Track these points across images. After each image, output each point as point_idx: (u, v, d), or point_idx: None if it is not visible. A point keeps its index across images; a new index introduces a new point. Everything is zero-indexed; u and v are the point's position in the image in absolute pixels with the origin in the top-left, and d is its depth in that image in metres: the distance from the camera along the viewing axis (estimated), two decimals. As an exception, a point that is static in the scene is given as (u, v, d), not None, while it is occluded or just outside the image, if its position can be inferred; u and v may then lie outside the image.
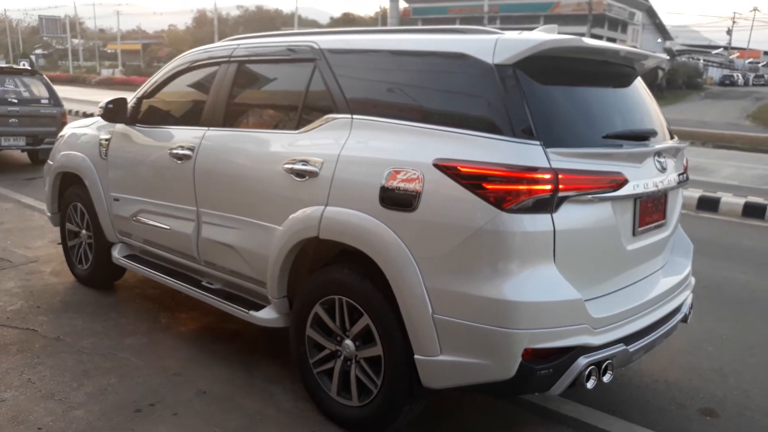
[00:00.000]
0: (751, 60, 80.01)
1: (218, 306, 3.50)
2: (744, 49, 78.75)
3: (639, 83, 3.11)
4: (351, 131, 2.83)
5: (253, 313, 3.25)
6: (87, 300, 4.44)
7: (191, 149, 3.54)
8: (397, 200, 2.54)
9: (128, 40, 75.89)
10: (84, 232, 4.66)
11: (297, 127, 3.09)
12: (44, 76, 10.69)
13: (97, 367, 3.43)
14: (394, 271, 2.55)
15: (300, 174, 2.91)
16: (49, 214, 5.05)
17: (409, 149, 2.59)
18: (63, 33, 62.27)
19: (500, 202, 2.32)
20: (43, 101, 10.07)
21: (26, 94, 10.04)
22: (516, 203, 2.31)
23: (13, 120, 9.59)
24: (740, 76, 65.26)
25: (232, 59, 3.56)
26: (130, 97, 4.21)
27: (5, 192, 8.05)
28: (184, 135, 3.68)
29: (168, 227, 3.80)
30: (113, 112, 4.10)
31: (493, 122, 2.44)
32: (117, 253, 4.31)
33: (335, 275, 2.86)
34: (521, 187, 2.31)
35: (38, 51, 73.28)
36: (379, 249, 2.59)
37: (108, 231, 4.37)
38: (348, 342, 2.84)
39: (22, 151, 10.33)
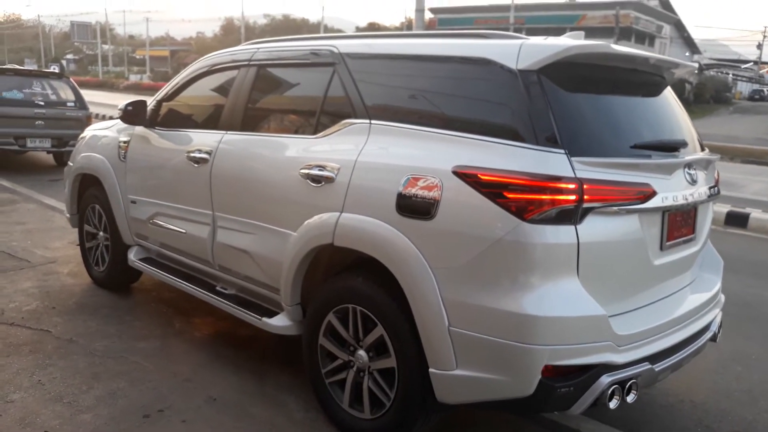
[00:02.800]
0: (781, 75, 78.55)
1: (231, 312, 3.44)
2: (774, 63, 77.32)
3: (669, 93, 3.00)
4: (369, 137, 2.77)
5: (266, 320, 3.19)
6: (102, 302, 4.42)
7: (208, 153, 3.51)
8: (414, 208, 2.46)
9: (157, 47, 76.98)
10: (101, 234, 4.66)
11: (314, 132, 3.03)
12: (71, 79, 10.83)
13: (108, 370, 3.39)
14: (409, 281, 2.47)
15: (316, 179, 2.85)
16: (68, 215, 5.06)
17: (428, 156, 2.51)
18: (93, 39, 63.34)
19: (522, 211, 2.23)
20: (69, 104, 10.20)
21: (53, 97, 10.18)
22: (538, 213, 2.22)
23: (39, 122, 9.73)
24: (770, 91, 64.04)
25: (251, 63, 3.52)
26: (150, 100, 4.21)
27: (29, 193, 8.13)
28: (201, 138, 3.65)
29: (183, 231, 3.76)
30: (133, 114, 4.09)
31: (516, 129, 2.35)
32: (133, 256, 4.29)
33: (349, 283, 2.78)
34: (544, 196, 2.22)
35: (69, 56, 74.74)
36: (395, 258, 2.51)
37: (125, 233, 4.35)
38: (361, 352, 2.76)
39: (48, 152, 10.46)
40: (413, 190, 2.47)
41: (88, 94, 10.84)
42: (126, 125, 4.26)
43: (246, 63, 3.55)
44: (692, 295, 2.90)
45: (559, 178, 2.23)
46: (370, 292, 2.67)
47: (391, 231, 2.52)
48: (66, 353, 3.57)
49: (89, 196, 4.73)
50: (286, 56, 3.38)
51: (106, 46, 71.98)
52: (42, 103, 9.90)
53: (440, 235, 2.40)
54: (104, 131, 4.65)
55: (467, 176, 2.34)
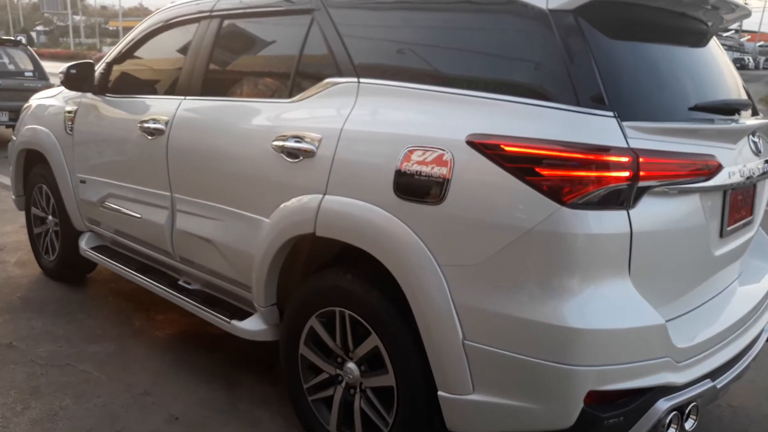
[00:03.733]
0: (762, 43, 78.44)
1: (195, 312, 2.91)
2: (755, 32, 77.24)
3: (715, 43, 2.49)
4: (357, 99, 2.22)
5: (235, 323, 2.67)
6: (52, 297, 3.87)
7: (165, 123, 2.95)
8: (416, 189, 1.94)
9: (130, 17, 74.78)
10: (50, 218, 4.09)
11: (290, 95, 2.48)
12: (29, 48, 10.09)
13: (50, 382, 2.86)
14: (411, 281, 1.95)
15: (292, 153, 2.31)
16: (14, 196, 4.47)
17: (433, 122, 1.98)
18: (64, 9, 61.35)
19: (559, 193, 1.71)
20: (27, 74, 9.48)
21: (10, 67, 9.47)
22: (581, 195, 1.71)
23: (-5, 93, 9.01)
24: (751, 60, 63.98)
25: (213, 14, 2.95)
26: (99, 63, 3.62)
27: (-19, 171, 7.47)
28: (157, 106, 3.09)
29: (139, 215, 3.21)
30: (78, 79, 3.50)
31: (548, 86, 1.82)
32: (84, 244, 3.73)
33: (335, 282, 2.26)
34: (589, 173, 1.70)
35: (39, 27, 72.44)
36: (392, 252, 1.99)
37: (75, 218, 3.78)
38: (351, 366, 2.26)
39: (7, 127, 9.74)
40: (415, 166, 1.94)
41: (58, 67, 10.08)
42: (75, 93, 3.67)
43: (207, 14, 2.97)
44: (744, 289, 2.42)
45: (607, 149, 1.71)
46: (361, 292, 2.16)
47: (387, 218, 2.00)
48: (2, 362, 3.03)
49: (35, 175, 4.15)
50: (254, 4, 2.80)
51: (77, 17, 69.86)
52: (-3, 73, 9.17)
53: (451, 223, 1.88)
54: (51, 99, 4.06)
55: (486, 147, 1.82)
